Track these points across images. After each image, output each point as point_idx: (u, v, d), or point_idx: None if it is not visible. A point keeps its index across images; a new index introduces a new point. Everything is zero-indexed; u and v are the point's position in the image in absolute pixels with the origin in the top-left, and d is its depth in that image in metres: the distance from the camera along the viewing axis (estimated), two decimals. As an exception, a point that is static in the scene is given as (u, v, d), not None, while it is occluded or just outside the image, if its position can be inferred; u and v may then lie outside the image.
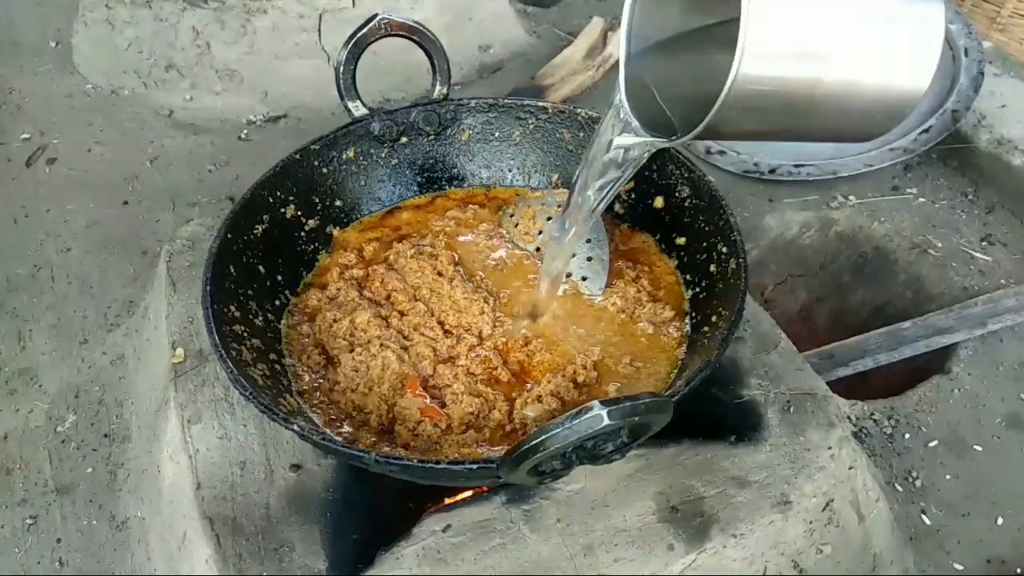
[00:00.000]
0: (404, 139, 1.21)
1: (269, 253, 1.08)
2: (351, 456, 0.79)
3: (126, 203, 1.65)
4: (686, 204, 1.09)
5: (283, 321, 1.04)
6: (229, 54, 1.87)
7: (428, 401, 0.93)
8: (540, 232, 1.11)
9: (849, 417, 1.21)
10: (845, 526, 0.96)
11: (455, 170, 1.25)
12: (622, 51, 0.76)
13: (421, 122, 1.21)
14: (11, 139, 1.81)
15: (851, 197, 1.61)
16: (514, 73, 2.00)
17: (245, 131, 1.84)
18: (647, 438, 0.73)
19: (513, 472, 0.70)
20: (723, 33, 0.69)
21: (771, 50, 0.59)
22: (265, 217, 1.07)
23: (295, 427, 0.81)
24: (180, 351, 1.09)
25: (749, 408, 1.02)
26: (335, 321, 1.01)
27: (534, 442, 0.67)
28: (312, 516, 0.92)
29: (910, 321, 1.36)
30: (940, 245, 1.51)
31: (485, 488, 0.94)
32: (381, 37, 1.11)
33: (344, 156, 1.17)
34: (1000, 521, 1.12)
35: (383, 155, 1.21)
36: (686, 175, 1.09)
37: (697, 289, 1.04)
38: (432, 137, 1.23)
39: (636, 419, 0.66)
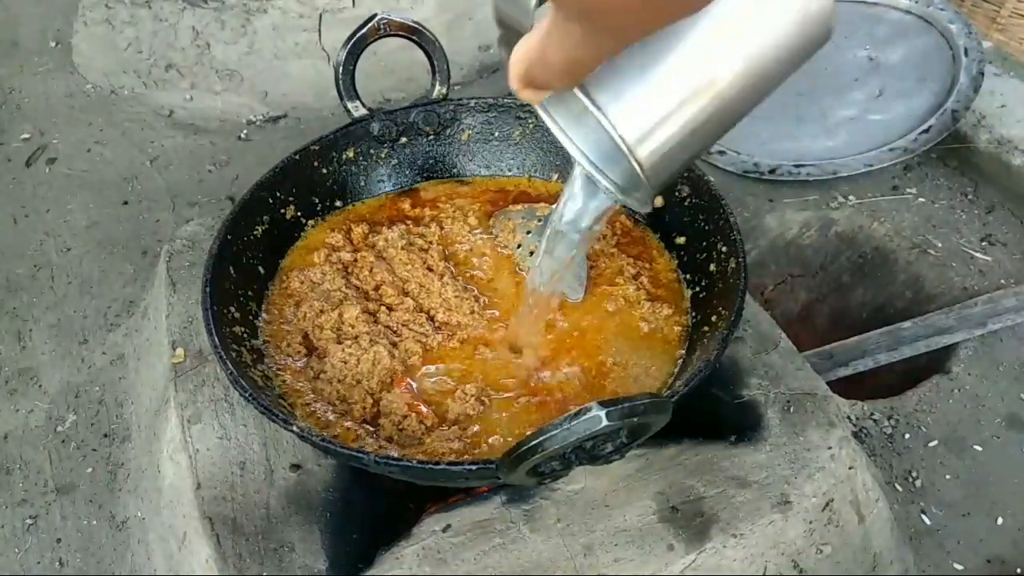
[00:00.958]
0: (404, 139, 1.21)
1: (269, 254, 1.08)
2: (351, 456, 0.80)
3: (126, 203, 1.65)
4: (686, 203, 1.09)
5: (263, 303, 1.03)
6: (229, 54, 1.87)
7: (413, 398, 0.93)
8: (519, 246, 1.10)
9: (849, 417, 1.21)
10: (845, 526, 0.96)
11: (455, 170, 1.25)
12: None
13: (421, 122, 1.21)
14: (11, 139, 1.81)
15: (851, 197, 1.61)
16: (514, 73, 2.00)
17: (245, 131, 1.84)
18: (647, 438, 0.73)
19: (512, 473, 0.70)
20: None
21: (651, 128, 0.54)
22: (265, 218, 1.07)
23: (295, 428, 0.81)
24: (180, 351, 1.09)
25: (749, 408, 1.02)
26: (322, 312, 1.00)
27: (533, 443, 0.67)
28: (312, 516, 0.92)
29: (910, 321, 1.36)
30: (940, 245, 1.51)
31: (485, 488, 0.94)
32: (381, 37, 1.11)
33: (344, 156, 1.17)
34: (1000, 521, 1.12)
35: (383, 155, 1.21)
36: (686, 174, 1.09)
37: (697, 289, 1.04)
38: (432, 137, 1.23)
39: (635, 420, 0.66)
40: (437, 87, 1.19)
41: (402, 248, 1.09)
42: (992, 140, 1.63)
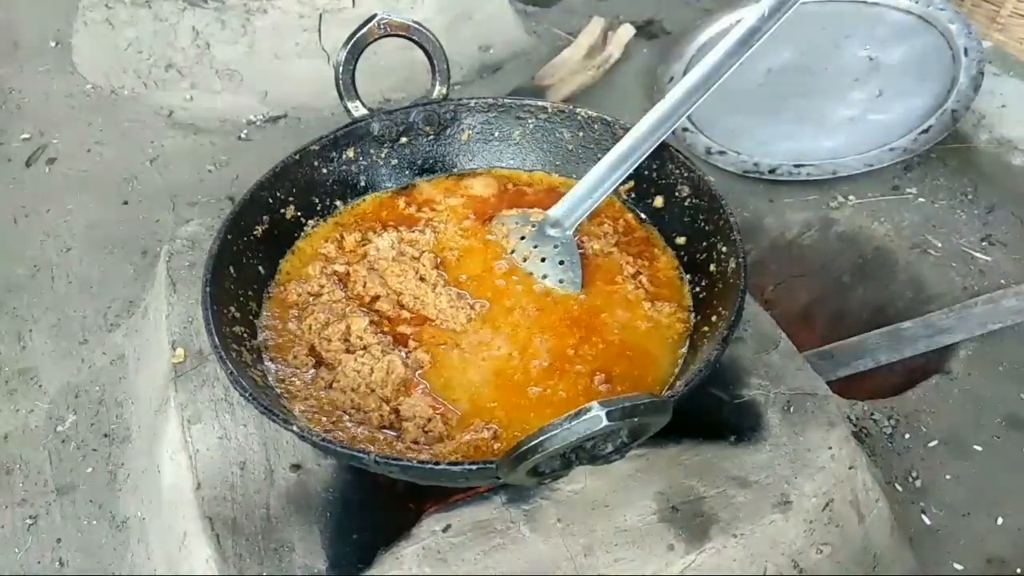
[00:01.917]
0: (404, 139, 1.21)
1: (269, 254, 1.08)
2: (351, 456, 0.79)
3: (126, 203, 1.65)
4: (686, 204, 1.09)
5: (263, 305, 1.03)
6: (229, 54, 1.87)
7: (435, 401, 0.93)
8: (513, 251, 1.10)
9: (849, 417, 1.21)
10: (845, 526, 0.96)
11: (455, 170, 1.25)
12: None
13: (421, 122, 1.21)
14: (11, 139, 1.81)
15: (851, 197, 1.61)
16: (514, 73, 2.00)
17: (245, 131, 1.84)
18: (647, 438, 0.73)
19: (512, 473, 0.70)
20: None
21: None
22: (265, 218, 1.07)
23: (295, 428, 0.81)
24: (180, 351, 1.09)
25: (749, 408, 1.02)
26: (327, 324, 1.00)
27: (533, 443, 0.67)
28: (312, 516, 0.92)
29: (910, 321, 1.36)
30: (940, 245, 1.51)
31: (485, 488, 0.94)
32: (380, 37, 1.11)
33: (344, 156, 1.17)
34: (1000, 521, 1.12)
35: (383, 155, 1.21)
36: (686, 175, 1.09)
37: (697, 289, 1.04)
38: (432, 137, 1.23)
39: (635, 420, 0.66)
40: (437, 87, 1.19)
41: (393, 259, 1.08)
42: (992, 140, 1.63)
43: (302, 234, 1.13)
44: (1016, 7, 1.86)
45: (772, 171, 1.64)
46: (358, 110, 1.15)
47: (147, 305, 1.29)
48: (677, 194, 1.10)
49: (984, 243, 1.51)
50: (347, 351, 0.97)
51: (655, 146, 1.07)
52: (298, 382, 0.95)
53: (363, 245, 1.12)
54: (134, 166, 1.74)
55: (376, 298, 1.05)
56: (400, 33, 1.12)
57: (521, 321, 1.02)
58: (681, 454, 0.96)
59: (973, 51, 1.65)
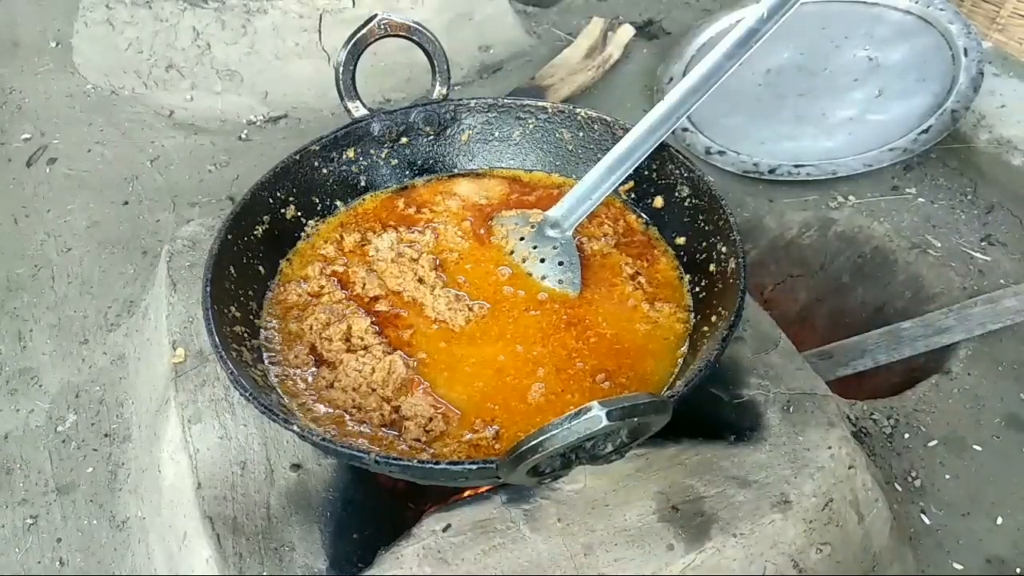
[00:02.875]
0: (404, 139, 1.21)
1: (270, 254, 1.08)
2: (351, 456, 0.80)
3: (126, 203, 1.65)
4: (686, 204, 1.09)
5: (262, 315, 1.03)
6: (229, 54, 1.87)
7: (435, 400, 0.93)
8: (512, 252, 1.10)
9: (849, 417, 1.21)
10: (845, 526, 0.96)
11: (455, 170, 1.25)
12: None
13: (421, 122, 1.21)
14: (11, 139, 1.81)
15: (851, 197, 1.61)
16: (514, 73, 2.00)
17: (245, 131, 1.84)
18: (647, 438, 0.73)
19: (512, 472, 0.70)
20: None
21: None
22: (265, 218, 1.07)
23: (295, 428, 0.81)
24: (180, 351, 1.09)
25: (749, 408, 1.02)
26: (328, 324, 1.00)
27: (533, 443, 0.67)
28: (312, 516, 0.92)
29: (910, 321, 1.36)
30: (940, 245, 1.51)
31: (486, 488, 0.94)
32: (381, 38, 1.11)
33: (344, 157, 1.17)
34: (1000, 521, 1.12)
35: (383, 155, 1.21)
36: (686, 175, 1.09)
37: (697, 289, 1.04)
38: (432, 137, 1.23)
39: (635, 420, 0.66)
40: (437, 87, 1.19)
41: (392, 260, 1.09)
42: (992, 140, 1.63)
43: (303, 234, 1.14)
44: (1016, 7, 1.86)
45: (772, 171, 1.64)
46: (358, 110, 1.16)
47: (147, 305, 1.29)
48: (677, 194, 1.11)
49: (983, 243, 1.51)
50: (348, 351, 0.98)
51: (654, 147, 1.07)
52: (300, 382, 0.95)
53: (362, 246, 1.12)
54: (135, 166, 1.74)
55: (376, 299, 1.05)
56: (400, 33, 1.12)
57: (521, 322, 1.02)
58: (681, 454, 0.96)
59: (973, 51, 1.65)
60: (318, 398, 0.94)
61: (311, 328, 1.00)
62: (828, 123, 1.68)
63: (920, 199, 1.61)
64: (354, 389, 0.94)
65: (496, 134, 1.24)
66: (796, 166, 1.63)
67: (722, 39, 1.07)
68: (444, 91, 1.19)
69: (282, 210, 1.10)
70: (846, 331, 1.41)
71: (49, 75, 1.99)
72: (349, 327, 0.99)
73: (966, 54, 1.65)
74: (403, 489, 1.05)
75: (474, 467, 0.75)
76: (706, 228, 1.05)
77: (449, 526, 0.89)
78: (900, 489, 1.15)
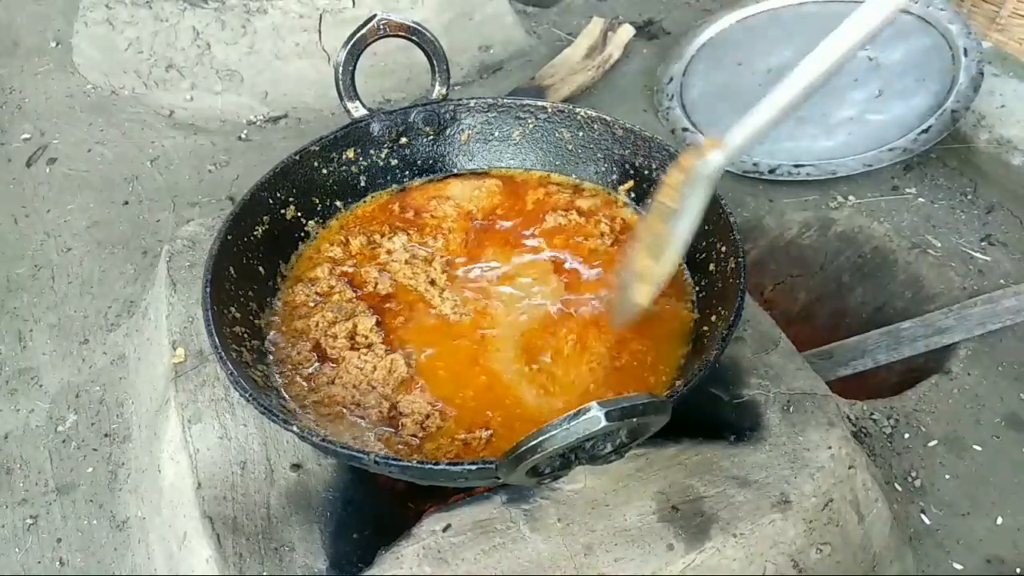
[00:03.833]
0: (404, 139, 1.21)
1: (270, 254, 1.08)
2: (351, 456, 0.80)
3: (126, 203, 1.65)
4: (686, 204, 1.09)
5: (263, 315, 1.03)
6: (229, 54, 1.87)
7: (432, 400, 0.93)
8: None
9: (849, 417, 1.21)
10: (845, 525, 0.96)
11: (455, 170, 1.25)
12: None
13: (421, 122, 1.21)
14: (11, 139, 1.81)
15: (851, 197, 1.61)
16: (514, 73, 2.00)
17: (245, 131, 1.84)
18: (646, 438, 0.73)
19: (512, 472, 0.71)
20: None
21: None
22: (265, 218, 1.08)
23: (294, 428, 0.81)
24: (180, 351, 1.09)
25: (749, 408, 1.02)
26: (334, 323, 1.01)
27: (532, 443, 0.67)
28: (312, 516, 0.92)
29: (910, 321, 1.36)
30: (939, 245, 1.51)
31: (485, 488, 0.94)
32: (380, 38, 1.11)
33: (344, 157, 1.17)
34: (1000, 521, 1.12)
35: (383, 155, 1.21)
36: (686, 175, 1.09)
37: (697, 288, 1.05)
38: (432, 137, 1.23)
39: (634, 420, 0.66)
40: (437, 87, 1.19)
41: (405, 262, 1.10)
42: (992, 140, 1.63)
43: (302, 235, 1.14)
44: (1015, 7, 1.86)
45: (772, 171, 1.64)
46: (358, 110, 1.16)
47: (147, 305, 1.29)
48: (677, 194, 1.10)
49: (983, 243, 1.51)
50: (352, 348, 0.98)
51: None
52: (300, 379, 0.95)
53: (372, 248, 1.13)
54: (135, 166, 1.74)
55: (388, 297, 1.05)
56: (400, 33, 1.12)
57: (524, 324, 1.02)
58: (681, 454, 0.96)
59: (973, 51, 1.65)
60: (319, 393, 0.94)
61: (317, 325, 1.01)
62: (828, 123, 1.68)
63: (920, 199, 1.61)
64: (355, 386, 0.94)
65: (496, 134, 1.24)
66: (796, 166, 1.63)
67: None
68: (444, 91, 1.19)
69: (282, 210, 1.10)
70: (846, 331, 1.41)
71: (49, 75, 1.99)
72: (355, 325, 1.00)
73: (966, 54, 1.65)
74: (403, 489, 1.05)
75: (474, 467, 0.75)
76: (706, 228, 1.04)
77: (449, 526, 0.89)
78: (900, 489, 1.15)
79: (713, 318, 0.96)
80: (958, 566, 1.08)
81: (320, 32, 1.86)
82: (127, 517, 1.13)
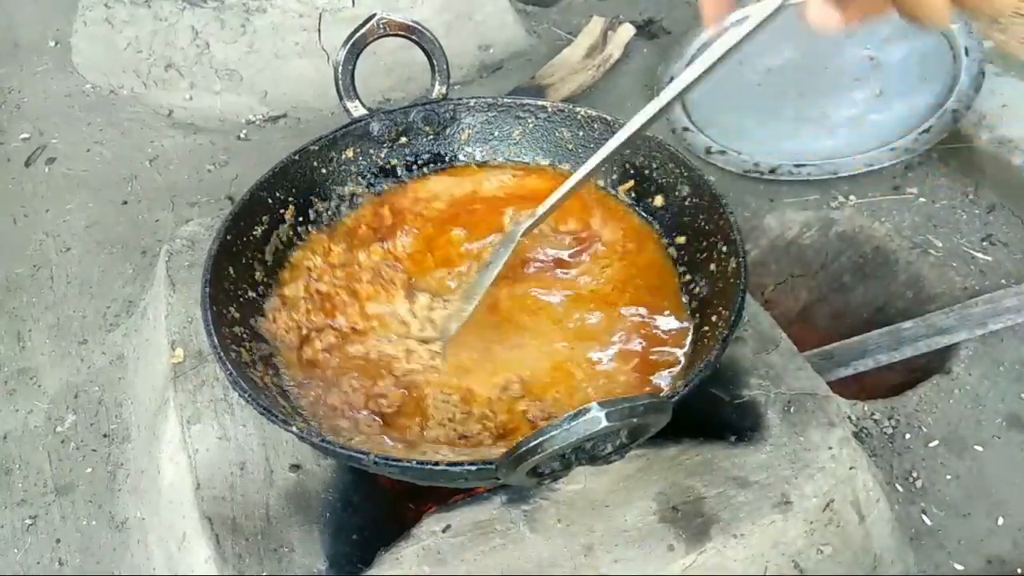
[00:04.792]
0: (404, 139, 1.21)
1: (269, 254, 1.08)
2: (350, 457, 0.79)
3: (125, 203, 1.65)
4: (686, 203, 1.09)
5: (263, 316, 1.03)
6: (229, 54, 1.87)
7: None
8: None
9: (849, 417, 1.21)
10: (845, 526, 0.96)
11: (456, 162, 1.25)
12: None
13: (420, 122, 1.21)
14: (10, 139, 1.81)
15: (851, 197, 1.61)
16: (514, 73, 2.00)
17: (244, 131, 1.84)
18: (647, 439, 0.73)
19: (512, 473, 0.70)
20: None
21: None
22: (264, 218, 1.07)
23: (294, 429, 0.81)
24: (179, 351, 1.09)
25: (749, 408, 1.01)
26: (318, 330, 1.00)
27: (532, 443, 0.67)
28: (312, 516, 0.92)
29: (911, 321, 1.36)
30: (941, 245, 1.51)
31: (485, 488, 0.94)
32: (380, 37, 1.10)
33: (343, 156, 1.17)
34: (1001, 521, 1.12)
35: (383, 155, 1.21)
36: (686, 174, 1.09)
37: (697, 288, 1.04)
38: (432, 137, 1.22)
39: (635, 420, 0.66)
40: (437, 87, 1.19)
41: (367, 281, 1.06)
42: (993, 140, 1.63)
43: (297, 237, 1.13)
44: (1017, 7, 1.86)
45: (772, 171, 1.63)
46: (357, 110, 1.15)
47: (146, 305, 1.29)
48: (677, 193, 1.10)
49: (985, 243, 1.51)
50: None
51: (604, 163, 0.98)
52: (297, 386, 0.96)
53: (345, 266, 1.08)
54: (134, 166, 1.74)
55: (352, 327, 1.02)
56: (400, 33, 1.11)
57: (491, 350, 0.98)
58: (681, 454, 0.96)
59: (974, 51, 1.65)
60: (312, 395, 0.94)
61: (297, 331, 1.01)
62: (829, 123, 1.68)
63: (921, 199, 1.61)
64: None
65: (496, 133, 1.23)
66: (797, 166, 1.63)
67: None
68: (444, 91, 1.19)
69: (281, 210, 1.10)
70: (847, 331, 1.41)
71: (48, 74, 1.99)
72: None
73: (967, 54, 1.65)
74: (403, 489, 1.05)
75: (474, 468, 0.75)
76: (706, 227, 1.04)
77: (449, 527, 0.89)
78: (901, 489, 1.15)
79: (714, 318, 0.95)
80: (959, 566, 1.07)
81: (320, 31, 1.86)
82: (126, 518, 1.13)
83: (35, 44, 2.08)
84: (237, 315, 0.97)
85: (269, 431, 1.00)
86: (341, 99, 1.14)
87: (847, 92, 1.70)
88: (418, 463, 0.77)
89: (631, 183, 1.17)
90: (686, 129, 1.74)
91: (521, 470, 0.69)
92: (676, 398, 0.78)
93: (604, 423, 0.64)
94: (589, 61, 1.95)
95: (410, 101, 1.23)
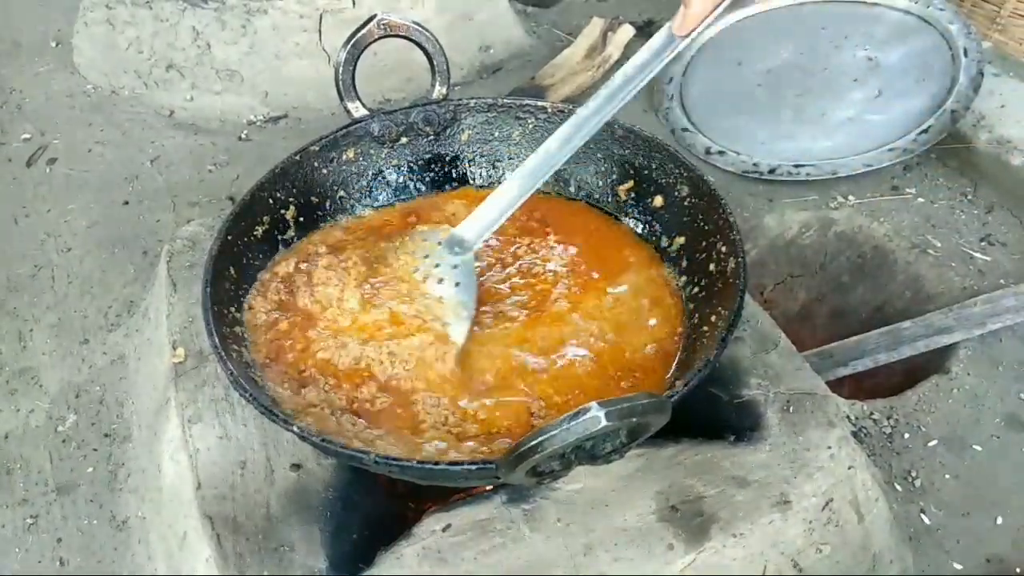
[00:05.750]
0: (404, 139, 1.21)
1: (270, 255, 1.08)
2: (351, 456, 0.80)
3: (127, 203, 1.65)
4: (685, 203, 1.09)
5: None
6: (229, 54, 1.87)
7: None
8: (416, 270, 1.04)
9: (848, 417, 1.21)
10: (844, 526, 0.96)
11: (455, 171, 1.25)
12: None
13: (421, 122, 1.21)
14: (12, 139, 1.82)
15: (850, 197, 1.61)
16: (514, 73, 2.00)
17: (245, 131, 1.85)
18: (646, 438, 0.73)
19: (512, 473, 0.71)
20: None
21: None
22: (265, 218, 1.08)
23: (295, 428, 0.81)
24: (181, 351, 1.09)
25: (749, 408, 1.02)
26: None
27: (532, 443, 0.67)
28: (312, 516, 0.93)
29: (909, 321, 1.36)
30: (939, 245, 1.51)
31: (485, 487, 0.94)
32: (380, 38, 1.11)
33: (344, 157, 1.17)
34: (999, 520, 1.12)
35: (383, 156, 1.21)
36: (685, 174, 1.09)
37: (696, 289, 1.05)
38: (432, 137, 1.23)
39: (634, 420, 0.67)
40: (437, 87, 1.19)
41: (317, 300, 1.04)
42: (991, 140, 1.63)
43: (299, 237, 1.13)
44: (1016, 7, 1.86)
45: (772, 171, 1.64)
46: (358, 110, 1.16)
47: (148, 305, 1.29)
48: (677, 193, 1.11)
49: (983, 243, 1.52)
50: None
51: (563, 161, 1.04)
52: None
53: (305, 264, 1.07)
54: (135, 166, 1.74)
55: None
56: (400, 33, 1.12)
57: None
58: (680, 454, 0.97)
59: (973, 51, 1.65)
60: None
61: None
62: (828, 123, 1.68)
63: (920, 199, 1.61)
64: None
65: (496, 134, 1.24)
66: (796, 166, 1.63)
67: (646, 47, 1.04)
68: (444, 91, 1.19)
69: (282, 210, 1.10)
70: (846, 331, 1.41)
71: (49, 75, 1.99)
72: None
73: (966, 54, 1.65)
74: (403, 489, 1.05)
75: (474, 468, 0.76)
76: (706, 228, 1.05)
77: (449, 526, 0.89)
78: (900, 489, 1.15)
79: (713, 318, 0.96)
80: (958, 566, 1.08)
81: (320, 32, 1.86)
82: (127, 517, 1.13)
83: (36, 45, 2.09)
84: (238, 315, 0.97)
85: (270, 430, 1.00)
86: (342, 100, 1.14)
87: (846, 93, 1.70)
88: (418, 463, 0.77)
89: (630, 183, 1.17)
90: (685, 130, 1.74)
91: (521, 469, 0.70)
92: (675, 398, 0.79)
93: (604, 422, 0.64)
94: (589, 62, 1.96)
95: (410, 102, 1.23)
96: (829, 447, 0.96)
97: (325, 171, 1.16)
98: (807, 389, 1.03)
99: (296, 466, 0.97)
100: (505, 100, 1.22)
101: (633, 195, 1.17)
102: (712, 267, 1.01)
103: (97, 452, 1.22)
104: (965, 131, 1.66)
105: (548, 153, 1.05)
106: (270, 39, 1.86)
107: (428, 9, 1.91)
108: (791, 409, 1.01)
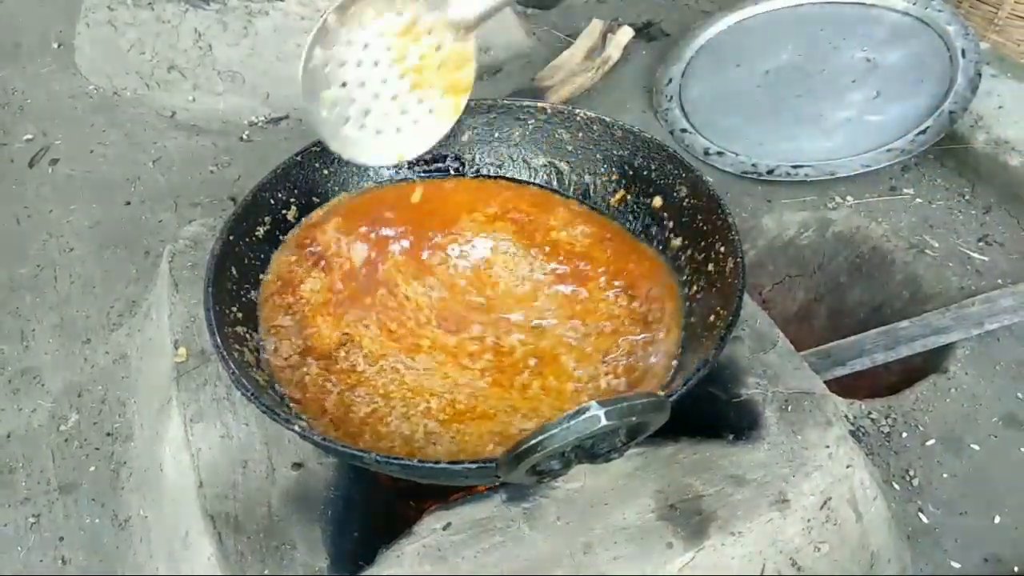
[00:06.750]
0: (404, 140, 1.22)
1: (271, 255, 1.08)
2: (352, 455, 0.80)
3: (128, 203, 1.66)
4: (684, 204, 1.10)
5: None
6: (231, 55, 1.88)
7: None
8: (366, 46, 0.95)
9: (847, 416, 1.22)
10: (843, 524, 0.96)
11: (456, 171, 1.26)
12: None
13: (421, 123, 1.21)
14: (14, 140, 1.82)
15: (849, 198, 1.62)
16: (514, 75, 2.01)
17: (247, 132, 1.85)
18: (645, 437, 0.74)
19: (512, 472, 0.71)
20: None
21: None
22: (267, 218, 1.08)
23: (296, 428, 0.81)
24: (182, 350, 1.10)
25: (747, 407, 1.02)
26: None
27: (532, 442, 0.68)
28: (314, 514, 0.93)
29: (907, 321, 1.36)
30: (937, 245, 1.52)
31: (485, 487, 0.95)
32: (382, 39, 1.11)
33: (345, 157, 1.18)
34: (997, 519, 1.13)
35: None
36: (684, 175, 1.10)
37: (695, 288, 1.05)
38: (432, 138, 1.23)
39: (633, 419, 0.67)
40: (437, 88, 1.19)
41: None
42: (989, 141, 1.64)
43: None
44: (1014, 9, 1.87)
45: (770, 172, 1.64)
46: (359, 111, 1.16)
47: (149, 305, 1.30)
48: (675, 194, 1.11)
49: (981, 243, 1.52)
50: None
51: None
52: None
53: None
54: (136, 167, 1.75)
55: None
56: (400, 35, 1.12)
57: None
58: (679, 453, 0.97)
59: (971, 52, 1.66)
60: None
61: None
62: (826, 124, 1.69)
63: (918, 200, 1.62)
64: None
65: (496, 134, 1.24)
66: (794, 167, 1.64)
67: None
68: (444, 92, 1.19)
69: (283, 211, 1.11)
70: (844, 331, 1.42)
71: (51, 76, 2.00)
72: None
73: (964, 55, 1.65)
74: (404, 488, 1.06)
75: (474, 467, 0.76)
76: (704, 228, 1.05)
77: (449, 524, 0.90)
78: (898, 488, 1.16)
79: (712, 318, 0.96)
80: (956, 565, 1.08)
81: (321, 33, 1.87)
82: (129, 516, 1.14)
83: (38, 46, 2.09)
84: (239, 315, 0.98)
85: (271, 430, 1.00)
86: (342, 101, 1.14)
87: (844, 94, 1.71)
88: (419, 461, 0.78)
89: (628, 182, 1.17)
90: (684, 130, 1.75)
91: (521, 468, 0.70)
92: (674, 397, 0.79)
93: (603, 422, 0.65)
94: (588, 63, 1.96)
95: (411, 103, 1.24)
96: (827, 446, 0.97)
97: (326, 172, 1.16)
98: (805, 388, 1.04)
99: (297, 465, 0.97)
100: (506, 101, 1.22)
101: (631, 195, 1.18)
102: (711, 267, 1.02)
103: (99, 451, 1.22)
104: (963, 132, 1.67)
105: None
106: (271, 40, 1.86)
107: (428, 10, 1.91)
108: (789, 408, 1.01)
